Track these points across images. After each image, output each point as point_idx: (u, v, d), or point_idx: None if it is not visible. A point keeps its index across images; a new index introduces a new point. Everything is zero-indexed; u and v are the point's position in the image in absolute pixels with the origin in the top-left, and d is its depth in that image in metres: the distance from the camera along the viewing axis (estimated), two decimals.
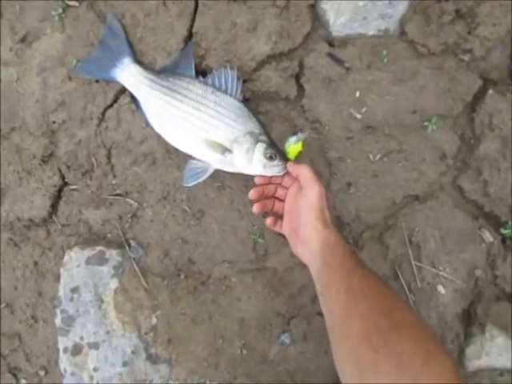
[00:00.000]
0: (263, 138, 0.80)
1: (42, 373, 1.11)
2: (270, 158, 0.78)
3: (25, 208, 1.01)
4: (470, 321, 0.88)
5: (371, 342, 0.54)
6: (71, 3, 0.90)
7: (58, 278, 1.02)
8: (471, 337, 0.88)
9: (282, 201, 0.80)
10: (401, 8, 0.82)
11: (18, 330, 1.09)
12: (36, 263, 1.04)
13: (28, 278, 1.05)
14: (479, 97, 0.86)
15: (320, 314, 0.90)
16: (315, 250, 0.68)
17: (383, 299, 0.59)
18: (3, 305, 1.08)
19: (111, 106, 0.90)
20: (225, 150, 0.81)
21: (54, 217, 1.02)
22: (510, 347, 0.86)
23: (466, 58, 0.83)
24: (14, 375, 1.11)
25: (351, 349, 0.56)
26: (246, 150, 0.79)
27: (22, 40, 0.89)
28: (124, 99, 0.88)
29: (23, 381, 1.12)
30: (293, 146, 0.79)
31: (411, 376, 0.49)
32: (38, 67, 0.90)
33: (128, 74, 0.84)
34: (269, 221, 0.79)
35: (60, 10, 0.90)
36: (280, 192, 0.80)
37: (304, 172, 0.72)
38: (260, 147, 0.78)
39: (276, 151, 0.78)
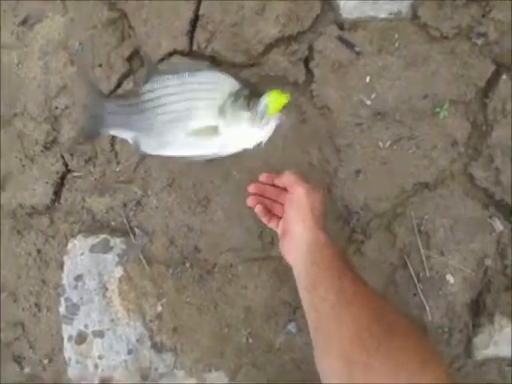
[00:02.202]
0: (245, 91, 0.70)
1: (45, 361, 1.10)
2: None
3: (27, 195, 1.00)
4: (478, 310, 0.87)
5: (364, 344, 0.54)
6: None
7: (61, 265, 1.01)
8: (479, 327, 0.87)
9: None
10: None
11: (22, 319, 1.08)
12: (39, 251, 1.03)
13: (31, 266, 1.04)
14: (492, 82, 0.84)
15: None
16: (303, 248, 0.68)
17: (374, 303, 0.60)
18: (5, 293, 1.07)
19: (114, 90, 0.88)
20: (216, 131, 0.71)
21: (56, 204, 1.00)
22: None
23: (480, 41, 0.81)
24: (19, 363, 1.11)
25: (343, 348, 0.55)
26: (231, 116, 0.70)
27: (23, 22, 0.87)
28: (128, 84, 0.86)
29: (27, 369, 1.12)
30: (273, 98, 0.68)
31: (406, 379, 0.50)
32: (40, 51, 0.88)
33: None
34: (257, 208, 0.78)
35: None
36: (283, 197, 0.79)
37: (286, 178, 0.74)
38: (241, 102, 0.69)
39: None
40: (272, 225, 0.79)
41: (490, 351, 0.88)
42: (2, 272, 1.05)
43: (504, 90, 0.83)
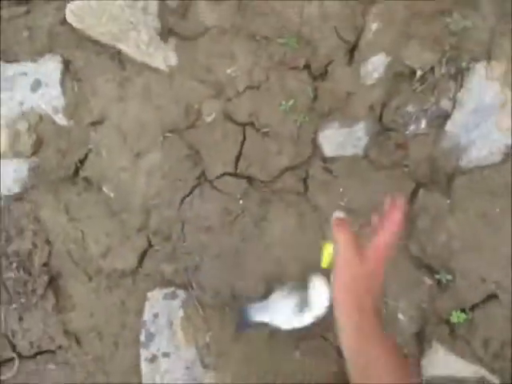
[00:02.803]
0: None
1: None
2: None
3: (120, 263, 1.50)
4: (421, 339, 1.32)
5: None
6: None
7: (138, 313, 1.47)
8: (424, 351, 1.31)
9: None
10: None
11: (102, 354, 1.50)
12: (123, 302, 1.50)
13: (115, 313, 1.50)
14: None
15: None
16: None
17: None
18: (94, 333, 1.51)
19: (189, 195, 1.43)
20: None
21: (139, 269, 1.50)
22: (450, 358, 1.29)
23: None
24: None
25: None
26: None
27: (137, 155, 1.46)
28: (198, 191, 1.43)
29: None
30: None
31: None
32: (147, 173, 1.45)
33: None
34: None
35: None
36: None
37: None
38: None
39: None
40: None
41: (434, 371, 1.31)
42: (94, 318, 1.51)
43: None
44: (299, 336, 1.35)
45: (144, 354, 1.37)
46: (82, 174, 1.50)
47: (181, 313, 1.38)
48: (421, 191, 1.37)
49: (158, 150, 1.45)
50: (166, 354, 1.34)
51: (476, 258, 1.31)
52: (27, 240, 1.54)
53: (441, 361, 1.30)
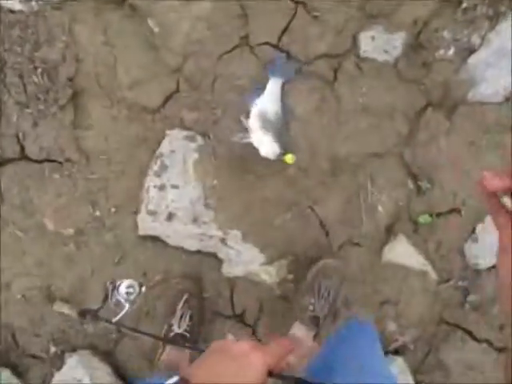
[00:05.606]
0: None
1: (113, 210, 1.63)
2: None
3: (145, 98, 1.58)
4: None
5: None
6: None
7: (149, 149, 1.58)
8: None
9: None
10: None
11: (108, 177, 1.61)
12: (138, 136, 1.59)
13: (128, 144, 1.60)
14: None
15: None
16: None
17: None
18: (105, 156, 1.60)
19: (229, 52, 1.52)
20: None
21: (161, 109, 1.59)
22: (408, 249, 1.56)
23: None
24: (92, 207, 1.63)
25: None
26: None
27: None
28: (238, 51, 1.52)
29: (97, 213, 1.63)
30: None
31: None
32: (195, 18, 1.51)
33: None
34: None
35: None
36: None
37: None
38: None
39: None
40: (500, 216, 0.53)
41: (390, 255, 1.58)
42: (108, 142, 1.59)
43: None
44: (291, 202, 1.55)
45: (154, 181, 1.50)
46: (129, 0, 1.51)
47: (196, 155, 1.51)
48: (429, 109, 1.57)
49: (211, 1, 1.50)
50: (174, 186, 1.49)
51: (454, 176, 1.56)
52: (57, 51, 1.55)
53: (400, 250, 1.58)
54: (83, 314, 1.11)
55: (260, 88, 1.49)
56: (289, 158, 1.42)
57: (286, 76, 1.51)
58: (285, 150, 1.43)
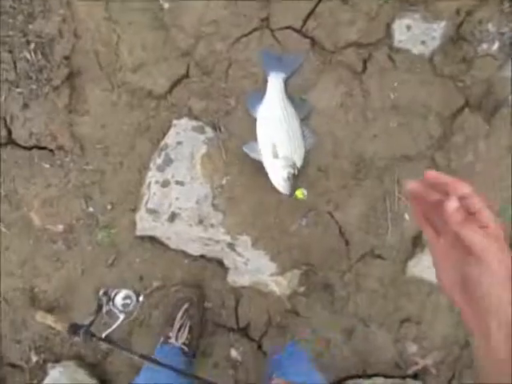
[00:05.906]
0: None
1: (109, 207, 1.46)
2: None
3: (150, 83, 1.40)
4: None
5: None
6: None
7: (152, 139, 1.41)
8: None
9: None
10: None
11: (104, 169, 1.44)
12: (140, 124, 1.42)
13: (128, 133, 1.43)
14: None
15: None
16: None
17: None
18: (102, 145, 1.43)
19: (247, 35, 1.35)
20: None
21: (168, 95, 1.42)
22: None
23: None
24: (86, 202, 1.45)
25: None
26: None
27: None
28: (257, 34, 1.35)
29: (91, 208, 1.46)
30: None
31: None
32: None
33: None
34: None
35: None
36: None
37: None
38: None
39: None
40: (427, 232, 0.58)
41: (415, 270, 1.42)
42: (106, 131, 1.42)
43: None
44: (308, 207, 1.39)
45: (156, 176, 1.33)
46: None
47: (204, 149, 1.34)
48: (466, 110, 1.41)
49: None
50: (179, 183, 1.32)
51: (487, 183, 1.40)
52: (53, 24, 1.38)
53: (426, 264, 1.42)
54: (73, 329, 0.94)
55: (260, 92, 1.34)
56: (300, 193, 1.31)
57: (287, 70, 1.34)
58: (295, 185, 1.29)
